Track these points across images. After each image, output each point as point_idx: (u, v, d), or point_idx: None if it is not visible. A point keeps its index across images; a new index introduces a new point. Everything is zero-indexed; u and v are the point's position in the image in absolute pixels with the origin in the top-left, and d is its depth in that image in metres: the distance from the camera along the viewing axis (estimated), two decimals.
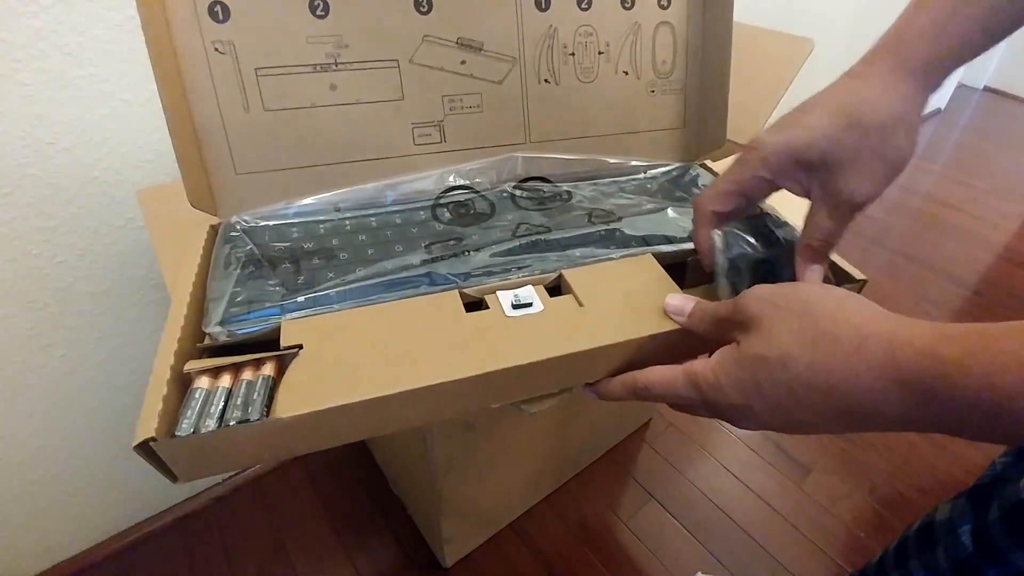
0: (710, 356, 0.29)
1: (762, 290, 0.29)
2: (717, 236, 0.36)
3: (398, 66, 0.41)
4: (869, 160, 0.30)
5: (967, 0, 0.30)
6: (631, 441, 1.00)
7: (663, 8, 0.48)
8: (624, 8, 0.46)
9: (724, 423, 1.08)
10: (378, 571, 0.82)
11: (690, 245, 0.39)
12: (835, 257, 0.39)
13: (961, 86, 2.70)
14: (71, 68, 0.52)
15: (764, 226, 0.39)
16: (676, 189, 0.49)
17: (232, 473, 0.90)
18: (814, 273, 0.33)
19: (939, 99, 2.50)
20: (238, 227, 0.40)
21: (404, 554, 0.83)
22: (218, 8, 0.37)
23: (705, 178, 0.50)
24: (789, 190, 0.33)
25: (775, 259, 0.36)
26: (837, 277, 0.38)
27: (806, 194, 0.33)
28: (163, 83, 0.35)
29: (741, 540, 0.87)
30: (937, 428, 0.23)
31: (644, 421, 1.03)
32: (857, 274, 0.37)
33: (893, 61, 0.31)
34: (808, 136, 0.31)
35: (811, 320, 0.26)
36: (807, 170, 0.32)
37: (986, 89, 2.88)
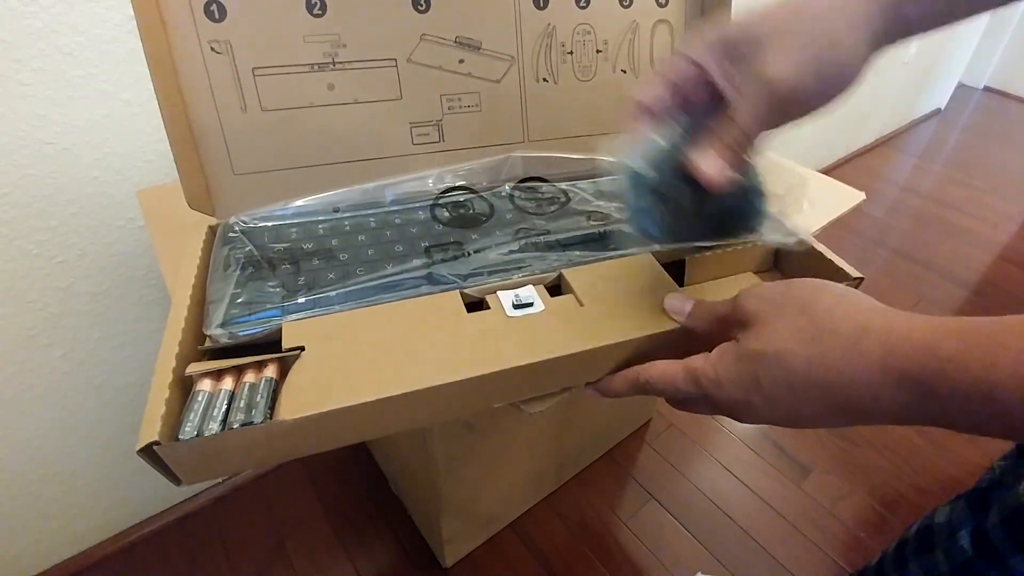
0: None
1: (760, 288, 0.29)
2: (626, 176, 0.31)
3: (396, 65, 0.41)
4: (794, 38, 0.27)
5: None
6: (631, 441, 1.00)
7: (661, 6, 0.48)
8: (622, 6, 0.46)
9: (724, 420, 1.08)
10: (378, 571, 0.82)
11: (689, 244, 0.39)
12: (831, 255, 0.39)
13: (961, 86, 2.70)
14: (71, 68, 0.52)
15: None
16: None
17: (232, 474, 0.90)
18: (706, 162, 0.29)
19: (939, 99, 2.50)
20: (236, 228, 0.40)
21: (404, 554, 0.83)
22: (214, 7, 0.36)
23: None
24: (717, 84, 0.29)
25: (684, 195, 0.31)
26: (833, 275, 0.38)
27: (732, 90, 0.29)
28: (159, 83, 0.35)
29: (741, 540, 0.87)
30: (935, 422, 0.23)
31: (644, 421, 1.03)
32: (853, 272, 0.37)
33: None
34: (739, 20, 0.28)
35: (809, 316, 0.26)
36: (734, 57, 0.28)
37: (986, 89, 2.87)
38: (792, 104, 0.27)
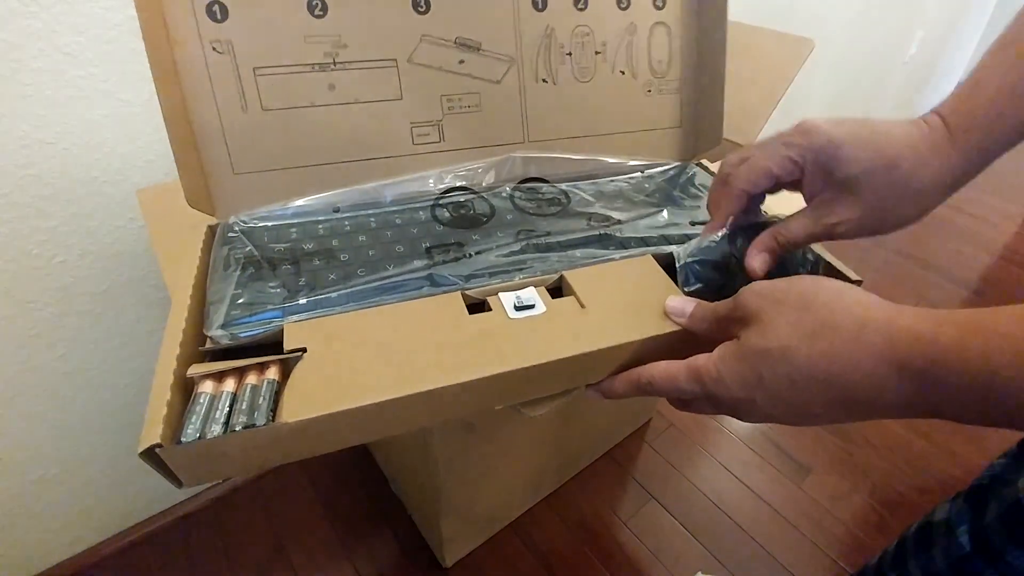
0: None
1: (760, 286, 0.29)
2: (679, 251, 0.37)
3: (396, 66, 0.41)
4: (872, 211, 0.31)
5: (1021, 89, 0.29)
6: (631, 441, 1.00)
7: (658, 8, 0.48)
8: (620, 8, 0.46)
9: (724, 420, 1.08)
10: (378, 571, 0.82)
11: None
12: (831, 258, 0.39)
13: None
14: (71, 68, 0.51)
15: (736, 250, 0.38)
16: (673, 188, 0.49)
17: (234, 476, 0.90)
18: (758, 260, 0.34)
19: (939, 99, 2.48)
20: (236, 228, 0.40)
21: (404, 554, 0.83)
22: (216, 7, 0.36)
23: (702, 177, 0.50)
24: (804, 185, 0.33)
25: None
26: (833, 277, 0.38)
27: (810, 198, 0.33)
28: (161, 83, 0.35)
29: (741, 540, 0.87)
30: (937, 413, 0.23)
31: (644, 421, 1.03)
32: (852, 275, 0.37)
33: (948, 137, 0.31)
34: (856, 154, 0.30)
35: (810, 312, 0.26)
36: (827, 179, 0.31)
37: None
38: (843, 238, 0.33)
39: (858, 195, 0.31)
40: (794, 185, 0.34)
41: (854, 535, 0.88)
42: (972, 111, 0.30)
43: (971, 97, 0.31)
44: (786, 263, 0.38)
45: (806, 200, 0.33)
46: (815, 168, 0.32)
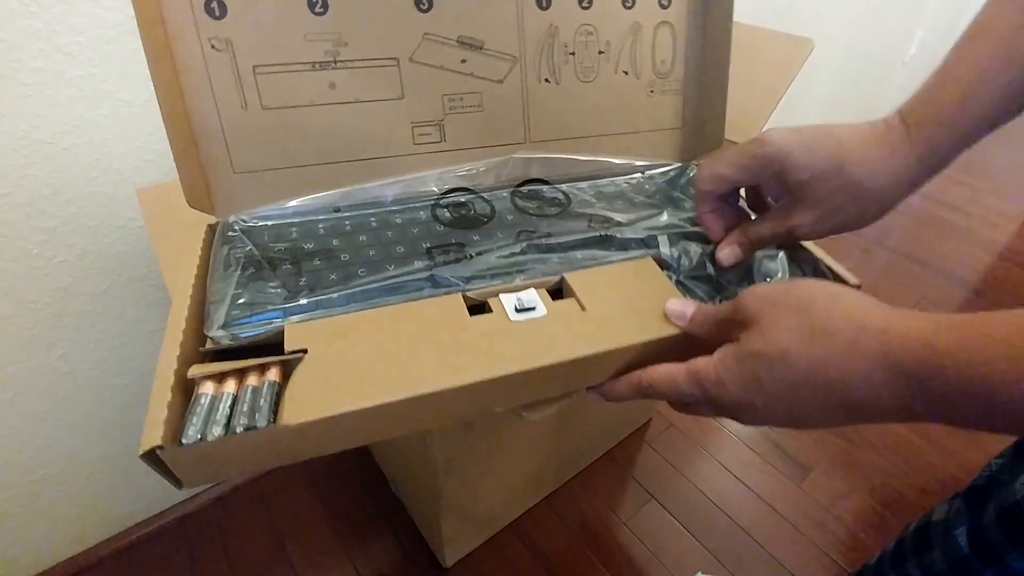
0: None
1: (760, 288, 0.29)
2: (664, 242, 0.40)
3: (398, 65, 0.41)
4: (828, 213, 0.33)
5: (987, 78, 0.30)
6: (631, 441, 1.00)
7: (663, 8, 0.47)
8: (625, 7, 0.46)
9: (724, 420, 1.08)
10: (378, 571, 0.82)
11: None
12: (830, 261, 0.39)
13: None
14: (71, 68, 0.51)
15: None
16: (673, 189, 0.49)
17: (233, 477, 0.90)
18: (727, 251, 0.38)
19: None
20: (236, 227, 0.40)
21: (404, 554, 0.83)
22: (215, 4, 0.36)
23: None
24: (765, 191, 0.37)
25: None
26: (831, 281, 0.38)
27: (775, 201, 0.36)
28: (159, 81, 0.35)
29: (741, 540, 0.87)
30: (934, 418, 0.23)
31: (644, 421, 1.03)
32: (851, 279, 0.37)
33: (904, 135, 0.32)
34: (804, 160, 0.32)
35: (808, 316, 0.26)
36: (783, 185, 0.34)
37: None
38: (806, 238, 0.35)
39: (812, 198, 0.33)
40: (755, 190, 0.38)
41: (854, 535, 0.88)
42: (933, 108, 0.32)
43: (932, 92, 0.32)
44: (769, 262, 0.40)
45: (772, 203, 0.37)
46: (769, 176, 0.34)
